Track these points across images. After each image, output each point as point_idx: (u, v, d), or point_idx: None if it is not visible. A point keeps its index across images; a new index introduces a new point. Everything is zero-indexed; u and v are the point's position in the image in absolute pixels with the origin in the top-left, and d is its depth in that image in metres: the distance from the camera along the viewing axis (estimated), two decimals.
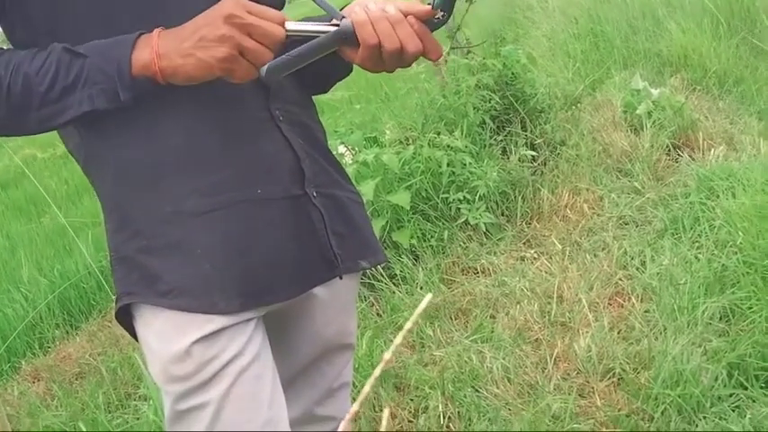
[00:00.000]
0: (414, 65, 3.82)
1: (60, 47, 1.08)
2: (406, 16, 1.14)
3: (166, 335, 1.19)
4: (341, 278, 1.34)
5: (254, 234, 1.22)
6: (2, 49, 1.14)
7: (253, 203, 1.22)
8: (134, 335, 1.26)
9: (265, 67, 1.09)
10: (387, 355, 0.62)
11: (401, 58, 1.15)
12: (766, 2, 6.26)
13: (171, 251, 1.19)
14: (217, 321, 1.18)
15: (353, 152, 4.09)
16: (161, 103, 1.14)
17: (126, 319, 1.24)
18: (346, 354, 1.48)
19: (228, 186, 1.20)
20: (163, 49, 1.07)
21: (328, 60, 1.19)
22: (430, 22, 1.16)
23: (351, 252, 1.35)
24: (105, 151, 1.19)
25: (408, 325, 0.55)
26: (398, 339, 0.63)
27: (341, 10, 1.17)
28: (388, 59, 1.14)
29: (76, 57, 1.08)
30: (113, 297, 1.26)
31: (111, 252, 1.24)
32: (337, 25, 1.12)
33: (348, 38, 1.11)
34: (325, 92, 1.44)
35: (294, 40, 1.12)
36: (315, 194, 1.29)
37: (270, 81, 1.10)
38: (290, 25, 1.11)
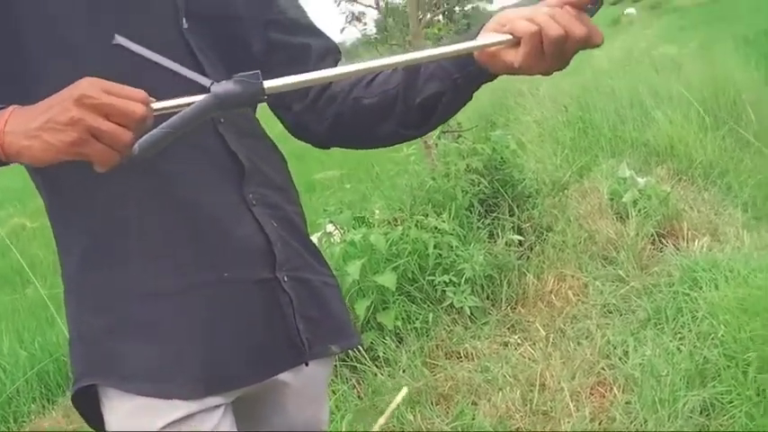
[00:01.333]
0: (404, 147, 3.86)
1: None
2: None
3: (132, 421, 1.18)
4: (307, 365, 1.32)
5: (219, 318, 1.21)
6: None
7: (219, 286, 1.21)
8: (90, 419, 1.24)
9: (136, 145, 0.97)
10: None
11: (564, 49, 1.06)
12: (752, 95, 6.41)
13: (134, 332, 1.18)
14: (183, 408, 1.17)
15: (342, 231, 4.12)
16: (127, 186, 1.15)
17: (83, 401, 1.22)
18: None
19: (194, 269, 1.19)
20: (10, 127, 0.99)
21: (451, 89, 1.16)
22: (584, 10, 1.08)
23: (321, 336, 1.33)
24: (71, 233, 1.20)
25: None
26: None
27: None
28: (550, 50, 1.05)
29: None
30: None
31: (70, 329, 1.23)
32: (209, 91, 1.00)
33: (223, 104, 0.99)
34: (430, 130, 1.33)
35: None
36: (285, 279, 1.28)
37: (145, 158, 0.98)
38: (159, 104, 1.01)
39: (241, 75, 0.98)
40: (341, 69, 1.06)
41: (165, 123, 0.97)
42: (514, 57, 1.07)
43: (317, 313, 1.33)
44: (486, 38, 1.06)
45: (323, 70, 1.03)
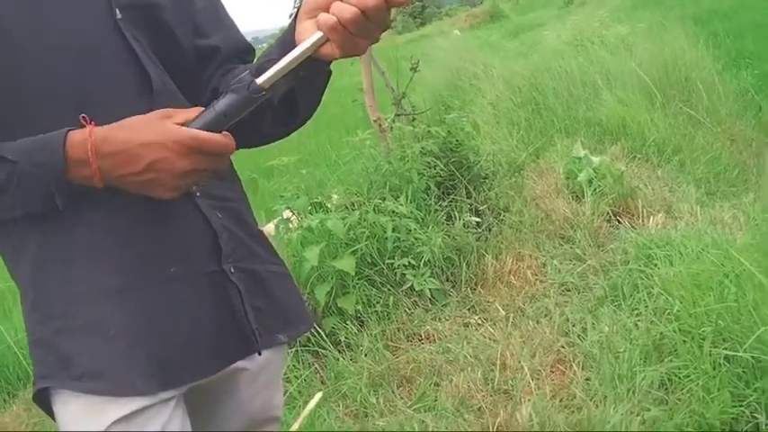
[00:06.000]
0: (359, 131, 3.84)
1: None
2: None
3: (83, 416, 1.17)
4: (260, 354, 1.33)
5: (168, 312, 1.21)
6: None
7: (166, 281, 1.21)
8: (53, 416, 1.24)
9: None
10: None
11: (369, 22, 1.05)
12: (702, 74, 6.51)
13: (84, 332, 1.17)
14: (136, 402, 1.17)
15: (299, 217, 4.10)
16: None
17: (45, 401, 1.22)
18: (272, 426, 1.47)
19: (141, 265, 1.19)
20: (105, 173, 1.09)
21: (299, 83, 1.18)
22: None
23: (269, 326, 1.34)
24: (24, 236, 1.18)
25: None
26: None
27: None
28: (357, 31, 1.05)
29: (4, 162, 1.07)
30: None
31: (27, 332, 1.23)
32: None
33: (257, 93, 1.09)
34: (305, 119, 1.36)
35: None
36: (232, 270, 1.29)
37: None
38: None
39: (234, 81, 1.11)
40: None
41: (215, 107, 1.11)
42: (332, 50, 1.09)
43: (263, 303, 1.34)
44: (303, 44, 1.09)
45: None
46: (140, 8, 1.22)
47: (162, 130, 1.09)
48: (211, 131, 1.10)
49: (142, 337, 1.18)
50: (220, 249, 1.27)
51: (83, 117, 1.09)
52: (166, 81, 1.24)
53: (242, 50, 1.40)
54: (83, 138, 1.08)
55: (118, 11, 1.18)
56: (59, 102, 1.13)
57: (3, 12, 1.10)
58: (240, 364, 1.32)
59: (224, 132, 1.11)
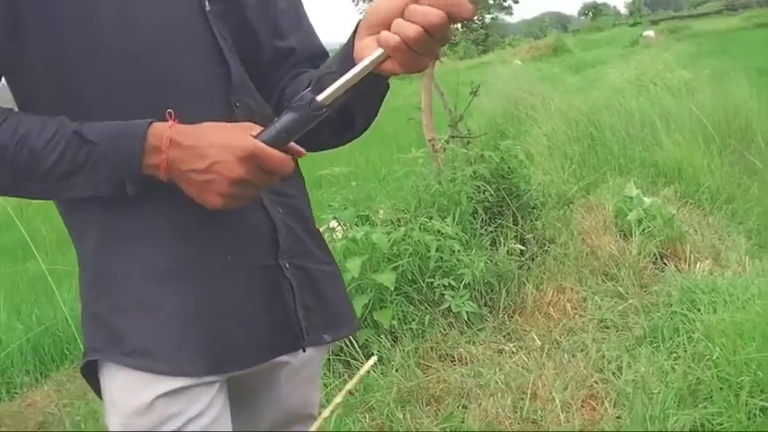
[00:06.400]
0: (412, 149, 3.86)
1: (71, 129, 1.10)
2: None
3: (130, 388, 1.19)
4: (304, 350, 1.33)
5: (220, 300, 1.22)
6: (7, 110, 1.14)
7: (222, 270, 1.22)
8: (98, 391, 1.26)
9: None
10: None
11: (432, 38, 1.03)
12: (763, 124, 6.42)
13: (137, 311, 1.19)
14: (180, 380, 1.19)
15: (345, 228, 4.13)
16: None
17: (92, 374, 1.25)
18: (307, 423, 1.47)
19: (199, 251, 1.21)
20: (173, 165, 1.10)
21: (357, 98, 1.18)
22: None
23: (316, 325, 1.35)
24: (90, 214, 1.20)
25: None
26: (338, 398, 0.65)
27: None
28: (419, 48, 1.04)
29: (85, 142, 1.09)
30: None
31: (82, 306, 1.25)
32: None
33: (318, 111, 1.09)
34: (360, 132, 1.35)
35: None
36: (287, 266, 1.30)
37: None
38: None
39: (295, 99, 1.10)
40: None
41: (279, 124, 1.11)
42: (393, 66, 1.08)
43: (313, 302, 1.35)
44: (364, 61, 1.08)
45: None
46: (228, 1, 1.24)
47: (233, 137, 1.11)
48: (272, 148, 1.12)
49: (193, 322, 1.20)
50: (278, 244, 1.28)
51: (168, 112, 1.11)
52: (244, 76, 1.26)
53: (316, 55, 1.40)
54: (162, 128, 1.10)
55: (207, 3, 1.21)
56: (142, 88, 1.16)
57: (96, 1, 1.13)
58: (283, 357, 1.33)
59: (288, 156, 1.13)
